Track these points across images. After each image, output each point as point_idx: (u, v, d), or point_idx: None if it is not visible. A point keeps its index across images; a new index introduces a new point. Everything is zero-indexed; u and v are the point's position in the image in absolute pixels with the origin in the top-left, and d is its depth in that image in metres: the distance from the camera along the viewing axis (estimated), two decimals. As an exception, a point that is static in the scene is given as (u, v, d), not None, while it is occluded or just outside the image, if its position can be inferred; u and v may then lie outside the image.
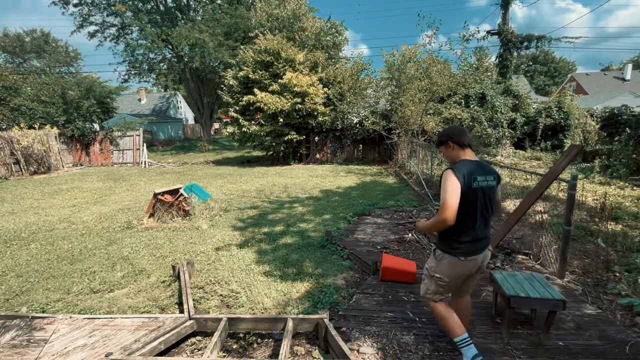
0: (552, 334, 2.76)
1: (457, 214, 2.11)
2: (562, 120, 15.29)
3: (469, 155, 2.31)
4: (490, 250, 2.44)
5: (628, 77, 33.96)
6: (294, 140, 15.79)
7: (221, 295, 3.65)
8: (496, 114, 15.00)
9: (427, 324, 2.94)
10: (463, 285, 2.48)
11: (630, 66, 34.97)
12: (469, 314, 2.59)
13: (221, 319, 2.87)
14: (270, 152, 16.63)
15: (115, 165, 17.89)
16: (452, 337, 2.39)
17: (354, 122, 16.48)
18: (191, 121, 40.67)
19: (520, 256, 4.36)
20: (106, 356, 2.41)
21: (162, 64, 26.51)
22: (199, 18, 24.19)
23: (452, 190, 2.11)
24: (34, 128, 15.54)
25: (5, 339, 2.74)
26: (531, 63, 56.43)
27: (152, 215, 6.50)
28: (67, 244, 5.41)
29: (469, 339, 2.32)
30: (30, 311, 3.36)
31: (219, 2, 25.36)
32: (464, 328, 2.36)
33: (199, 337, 2.95)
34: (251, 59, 15.88)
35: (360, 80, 15.80)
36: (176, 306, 3.43)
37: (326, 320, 2.77)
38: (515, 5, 18.91)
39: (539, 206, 5.62)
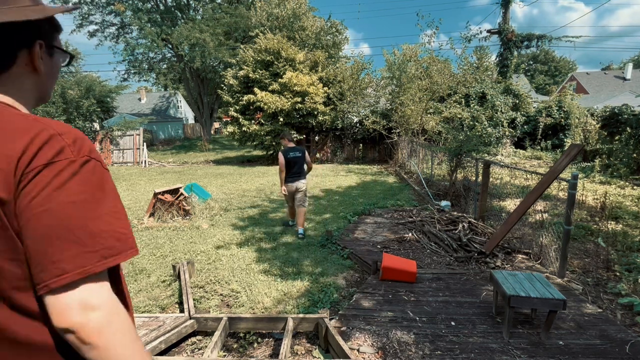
0: (552, 334, 2.76)
1: (285, 169, 5.18)
2: (562, 120, 15.28)
3: (290, 144, 5.38)
4: (303, 184, 5.29)
5: (628, 76, 33.91)
6: (294, 139, 15.79)
7: (221, 294, 3.65)
8: (496, 113, 14.98)
9: (427, 324, 2.94)
10: (294, 200, 5.39)
11: (630, 65, 34.90)
12: (302, 217, 5.37)
13: (221, 318, 2.87)
14: (271, 152, 16.61)
15: (116, 165, 17.88)
16: (289, 219, 5.91)
17: (354, 121, 16.47)
18: (191, 120, 40.65)
19: (520, 255, 4.36)
20: (107, 355, 2.41)
21: (162, 64, 26.48)
22: (199, 17, 24.15)
23: (280, 159, 5.17)
24: (34, 127, 15.51)
25: (5, 338, 2.74)
26: (531, 62, 56.40)
27: (152, 214, 6.50)
28: (67, 244, 5.40)
29: (294, 220, 5.80)
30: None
31: (218, 1, 25.31)
32: (294, 216, 5.71)
33: (199, 337, 2.95)
34: (251, 59, 15.86)
35: (361, 80, 15.79)
36: (176, 305, 3.44)
37: (326, 320, 2.78)
38: (515, 4, 18.89)
39: (539, 205, 5.62)
